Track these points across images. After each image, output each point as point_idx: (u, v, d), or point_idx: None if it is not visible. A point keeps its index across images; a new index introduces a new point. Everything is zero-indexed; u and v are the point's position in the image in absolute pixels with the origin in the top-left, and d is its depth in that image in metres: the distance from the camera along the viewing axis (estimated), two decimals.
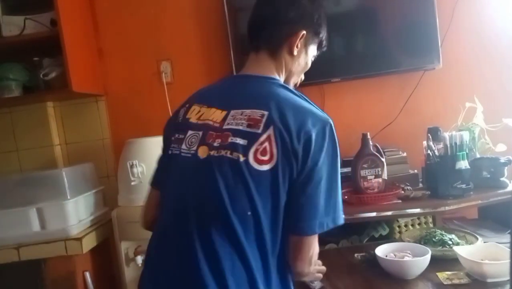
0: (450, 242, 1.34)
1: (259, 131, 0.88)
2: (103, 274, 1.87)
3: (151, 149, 1.81)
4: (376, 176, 1.61)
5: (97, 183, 1.98)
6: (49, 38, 1.71)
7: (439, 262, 1.24)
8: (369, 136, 1.64)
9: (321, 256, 0.97)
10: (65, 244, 1.61)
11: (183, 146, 0.97)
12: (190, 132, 0.98)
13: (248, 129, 0.89)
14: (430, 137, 1.65)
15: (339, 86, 2.02)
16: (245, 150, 0.88)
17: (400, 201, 1.59)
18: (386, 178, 1.62)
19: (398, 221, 1.68)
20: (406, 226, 1.69)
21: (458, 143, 1.54)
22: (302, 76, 1.12)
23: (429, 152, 1.62)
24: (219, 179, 0.89)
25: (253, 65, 1.04)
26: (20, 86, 1.85)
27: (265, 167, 0.87)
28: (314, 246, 0.94)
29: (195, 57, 2.08)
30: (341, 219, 0.94)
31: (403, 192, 1.62)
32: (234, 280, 0.85)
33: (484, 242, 1.33)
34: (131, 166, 1.72)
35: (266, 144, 0.87)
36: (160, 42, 2.08)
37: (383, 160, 1.61)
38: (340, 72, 1.95)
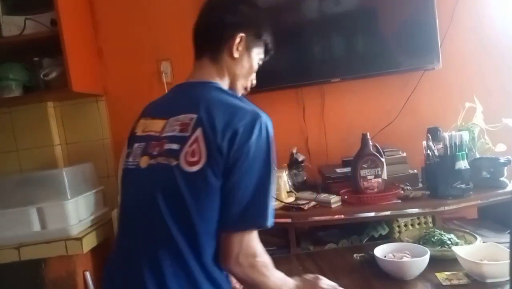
0: (449, 242, 1.34)
1: (188, 134, 0.91)
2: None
3: None
4: (376, 176, 1.61)
5: (97, 183, 1.99)
6: (49, 38, 1.71)
7: (438, 262, 1.24)
8: (368, 137, 1.64)
9: (320, 256, 0.96)
10: (66, 244, 1.61)
11: (130, 159, 1.01)
12: (135, 145, 1.02)
13: (180, 134, 0.92)
14: (430, 137, 1.65)
15: (339, 86, 2.02)
16: (177, 154, 0.90)
17: (399, 201, 1.59)
18: (385, 178, 1.62)
19: (397, 221, 1.68)
20: (405, 226, 1.69)
21: (457, 144, 1.54)
22: (254, 81, 1.14)
23: (428, 152, 1.62)
24: (156, 186, 0.91)
25: (195, 72, 1.09)
26: (20, 86, 1.85)
27: (195, 168, 0.88)
28: (242, 246, 0.91)
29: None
30: (268, 221, 0.92)
31: (402, 192, 1.62)
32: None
33: (484, 242, 1.32)
34: None
35: (195, 146, 0.89)
36: (160, 42, 2.08)
37: (383, 160, 1.61)
38: (340, 72, 1.95)
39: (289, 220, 1.61)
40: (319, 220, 1.60)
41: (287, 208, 1.66)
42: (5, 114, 2.02)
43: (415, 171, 1.79)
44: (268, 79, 1.99)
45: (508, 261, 0.90)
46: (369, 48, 1.96)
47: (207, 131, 0.89)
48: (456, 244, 1.33)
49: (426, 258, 1.18)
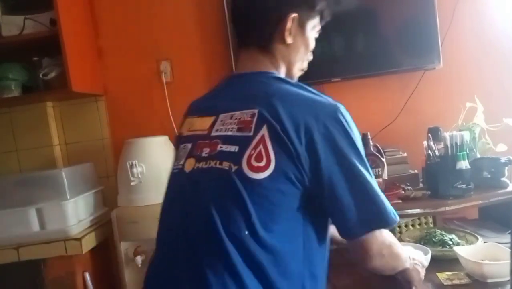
0: (450, 242, 1.34)
1: (251, 134, 0.77)
2: (103, 274, 1.86)
3: (151, 149, 1.81)
4: (377, 176, 1.60)
5: (96, 183, 1.98)
6: (49, 38, 1.71)
7: (439, 262, 1.24)
8: (369, 136, 1.63)
9: None
10: (65, 244, 1.61)
11: (175, 162, 0.91)
12: (181, 146, 0.90)
13: (239, 134, 0.78)
14: (431, 137, 1.65)
15: (339, 86, 2.02)
16: (236, 158, 0.77)
17: (400, 201, 1.59)
18: (386, 178, 1.61)
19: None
20: (406, 226, 1.69)
21: (458, 144, 1.54)
22: (310, 57, 0.99)
23: (429, 152, 1.62)
24: (207, 194, 0.78)
25: (245, 62, 0.93)
26: (20, 86, 1.85)
27: (262, 175, 0.75)
28: (375, 243, 0.80)
29: (195, 57, 2.08)
30: (389, 219, 0.80)
31: (403, 192, 1.62)
32: None
33: (485, 242, 1.32)
34: (131, 166, 1.72)
35: (260, 148, 0.76)
36: (160, 42, 2.08)
37: (384, 160, 1.61)
38: (340, 72, 1.95)
39: None
40: None
41: None
42: (4, 114, 2.01)
43: (416, 171, 1.78)
44: None
45: (509, 261, 0.89)
46: (369, 48, 1.96)
47: (275, 130, 0.75)
48: (457, 244, 1.33)
49: (428, 257, 1.17)
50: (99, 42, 2.10)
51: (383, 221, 0.80)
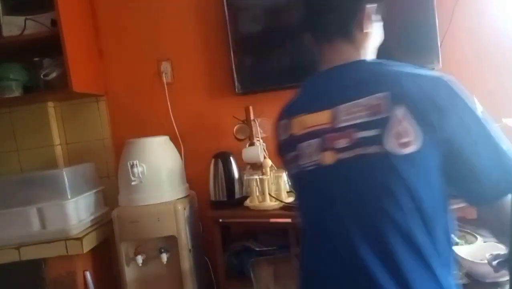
0: None
1: (385, 114, 0.81)
2: (104, 274, 1.87)
3: (152, 149, 1.82)
4: None
5: (97, 183, 1.99)
6: (50, 38, 1.71)
7: None
8: None
9: None
10: (66, 244, 1.61)
11: (301, 162, 0.91)
12: (301, 145, 0.91)
13: (374, 118, 0.81)
14: None
15: None
16: (381, 140, 0.80)
17: None
18: None
19: None
20: None
21: None
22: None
23: None
24: (366, 180, 0.82)
25: (333, 57, 0.95)
26: (21, 86, 1.85)
27: (410, 149, 0.79)
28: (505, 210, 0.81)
29: (195, 57, 2.08)
30: None
31: None
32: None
33: (484, 242, 1.32)
34: (132, 166, 1.72)
35: (402, 124, 0.79)
36: (160, 42, 2.08)
37: None
38: None
39: (289, 220, 1.60)
40: None
41: (287, 208, 1.66)
42: (5, 114, 2.02)
43: None
44: (268, 79, 2.01)
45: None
46: None
47: (410, 106, 0.79)
48: (457, 244, 1.33)
49: None
50: (100, 43, 2.10)
51: None
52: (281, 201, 1.69)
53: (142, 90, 2.10)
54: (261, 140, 1.92)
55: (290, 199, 1.72)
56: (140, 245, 1.75)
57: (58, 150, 2.07)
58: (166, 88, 2.06)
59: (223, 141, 2.02)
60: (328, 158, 0.85)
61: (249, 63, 1.99)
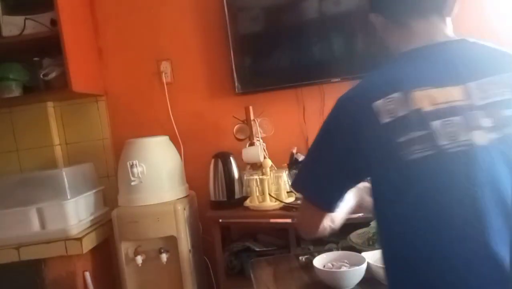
0: None
1: None
2: (103, 274, 1.87)
3: (151, 149, 1.82)
4: None
5: (97, 183, 1.99)
6: (49, 38, 1.71)
7: None
8: None
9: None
10: (65, 244, 1.61)
11: (440, 142, 0.76)
12: (435, 123, 0.78)
13: None
14: None
15: (339, 86, 2.02)
16: None
17: None
18: None
19: None
20: None
21: None
22: None
23: None
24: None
25: (434, 31, 0.90)
26: (20, 86, 1.85)
27: None
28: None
29: (195, 57, 2.08)
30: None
31: None
32: None
33: None
34: (131, 166, 1.72)
35: None
36: (160, 42, 2.08)
37: None
38: (340, 72, 1.95)
39: (289, 220, 1.60)
40: None
41: (287, 208, 1.66)
42: (5, 114, 2.01)
43: None
44: (268, 79, 2.01)
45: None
46: (369, 48, 1.96)
47: None
48: None
49: (363, 267, 1.13)
50: (100, 43, 2.10)
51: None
52: (281, 201, 1.69)
53: (141, 90, 2.10)
54: (261, 140, 1.92)
55: (291, 199, 1.72)
56: (140, 245, 1.74)
57: (58, 150, 2.07)
58: (166, 88, 2.06)
59: (223, 141, 2.02)
60: (481, 137, 0.76)
61: (249, 63, 1.99)
